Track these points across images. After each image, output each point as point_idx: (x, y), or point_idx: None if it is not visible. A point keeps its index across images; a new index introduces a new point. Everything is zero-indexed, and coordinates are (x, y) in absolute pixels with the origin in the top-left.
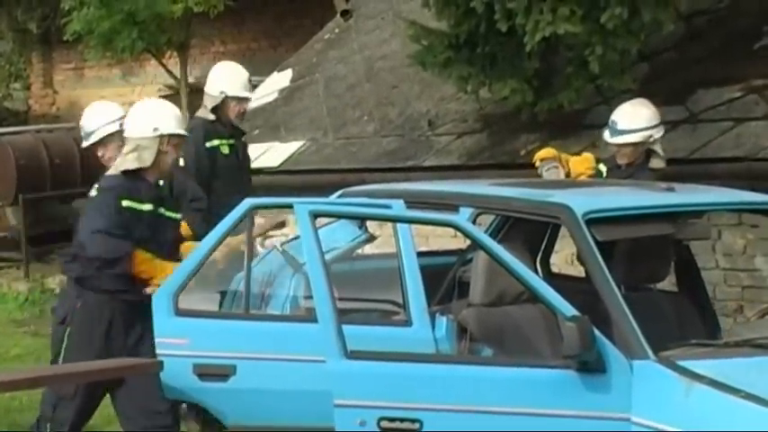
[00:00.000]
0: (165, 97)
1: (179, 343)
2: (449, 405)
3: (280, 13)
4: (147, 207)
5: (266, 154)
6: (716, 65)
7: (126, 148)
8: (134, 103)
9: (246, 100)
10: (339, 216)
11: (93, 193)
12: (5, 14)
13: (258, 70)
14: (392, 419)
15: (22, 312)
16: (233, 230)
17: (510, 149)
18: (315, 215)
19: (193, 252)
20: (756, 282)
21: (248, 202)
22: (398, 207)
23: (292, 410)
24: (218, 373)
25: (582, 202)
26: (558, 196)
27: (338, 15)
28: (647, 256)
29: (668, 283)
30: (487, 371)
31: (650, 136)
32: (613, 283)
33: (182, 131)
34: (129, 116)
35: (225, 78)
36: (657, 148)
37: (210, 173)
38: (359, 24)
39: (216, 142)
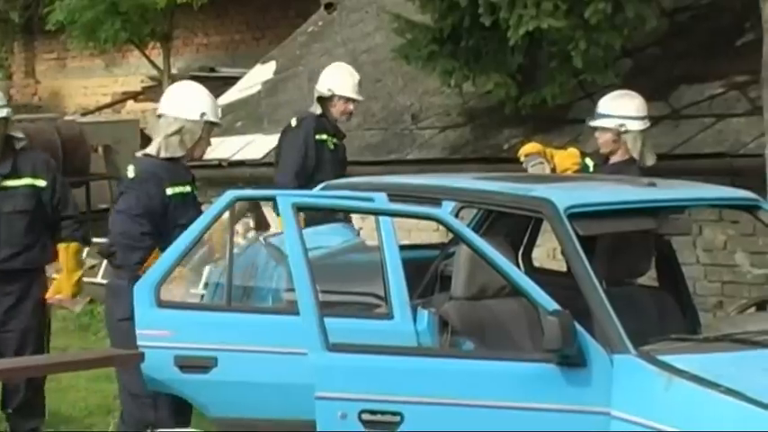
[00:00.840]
0: (147, 88)
1: (160, 334)
2: (430, 398)
3: (263, 5)
4: (189, 189)
5: (249, 146)
6: (698, 61)
7: (168, 129)
8: (116, 93)
9: (353, 101)
10: (322, 209)
11: (132, 174)
12: None
13: (241, 62)
14: (373, 412)
15: None
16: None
17: (493, 143)
18: (298, 208)
19: (176, 243)
20: (736, 277)
21: (231, 193)
22: (381, 200)
23: (273, 403)
24: (200, 365)
25: (564, 196)
26: (540, 190)
27: (322, 8)
28: (628, 250)
29: (649, 278)
30: (469, 364)
31: (622, 125)
32: (595, 278)
33: (219, 122)
34: (172, 96)
35: (335, 77)
36: (648, 146)
37: (315, 165)
38: (342, 17)
39: (324, 136)
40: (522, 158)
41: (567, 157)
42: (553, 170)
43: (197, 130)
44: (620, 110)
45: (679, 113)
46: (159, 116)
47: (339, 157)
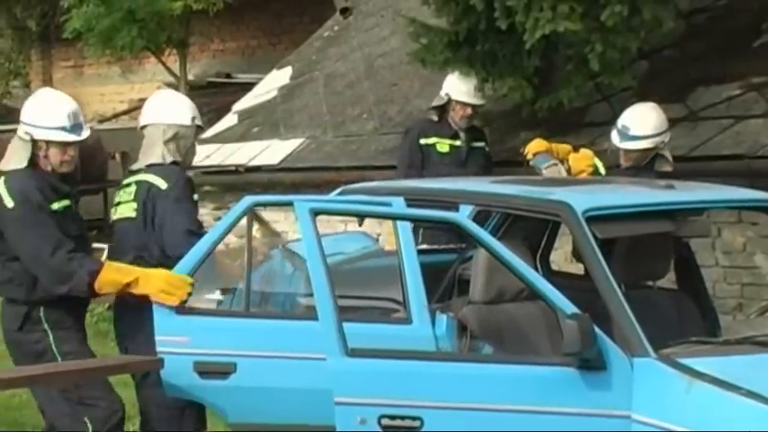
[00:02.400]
0: None
1: (179, 341)
2: (449, 403)
3: (279, 11)
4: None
5: (266, 151)
6: (716, 62)
7: (162, 137)
8: (133, 100)
9: (470, 106)
10: (339, 214)
11: (165, 185)
12: (5, 12)
13: (257, 68)
14: (393, 417)
15: None
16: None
17: (509, 147)
18: (315, 213)
19: (193, 249)
20: (756, 279)
21: (249, 199)
22: (399, 205)
23: (293, 408)
24: (219, 371)
25: (582, 199)
26: (558, 194)
27: (338, 13)
28: (646, 253)
29: (668, 281)
30: (488, 368)
31: (662, 141)
32: (614, 281)
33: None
34: (159, 105)
35: (453, 82)
36: (666, 152)
37: (424, 167)
38: (358, 22)
39: (432, 140)
40: (529, 156)
41: (581, 159)
42: (568, 172)
43: (190, 135)
44: (656, 127)
45: (696, 115)
46: (143, 127)
47: (459, 158)
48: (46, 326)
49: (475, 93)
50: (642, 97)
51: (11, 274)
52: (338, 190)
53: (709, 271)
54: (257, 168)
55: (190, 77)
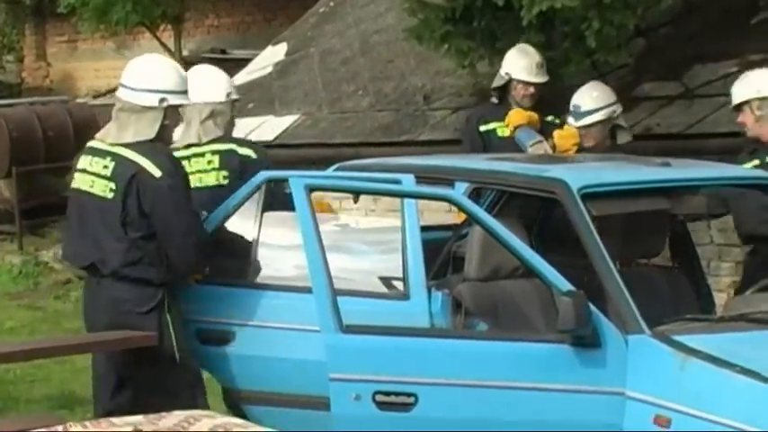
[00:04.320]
0: None
1: (183, 308)
2: (444, 379)
3: None
4: None
5: (261, 128)
6: (712, 40)
7: (198, 117)
8: None
9: (532, 84)
10: (336, 190)
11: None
12: None
13: (252, 44)
14: (387, 393)
15: (15, 285)
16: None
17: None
18: (310, 189)
19: (208, 223)
20: None
21: (263, 174)
22: (407, 182)
23: (290, 378)
24: (219, 339)
25: (577, 176)
26: (553, 171)
27: None
28: (642, 230)
29: (662, 259)
30: (483, 345)
31: (614, 111)
32: (609, 258)
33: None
34: (194, 81)
35: (512, 60)
36: (621, 122)
37: (488, 152)
38: None
39: (492, 125)
40: (510, 129)
41: (567, 138)
42: (553, 149)
43: (227, 111)
44: (605, 99)
45: (693, 93)
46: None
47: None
48: (168, 314)
49: (536, 70)
50: (638, 75)
51: (141, 253)
52: (334, 167)
53: (704, 249)
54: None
55: (184, 53)
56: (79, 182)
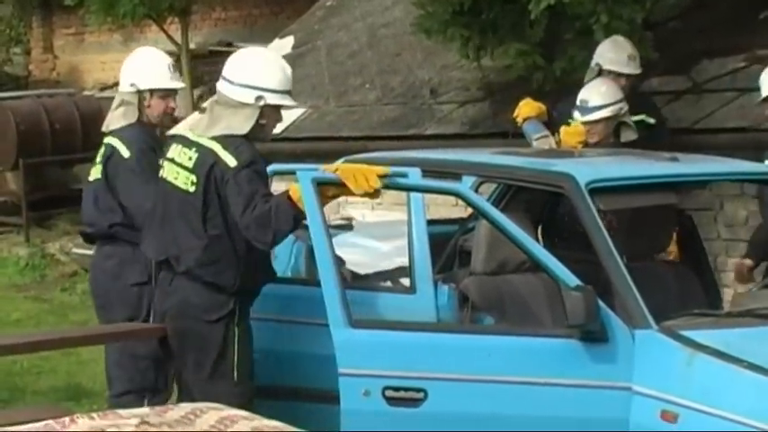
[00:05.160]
0: None
1: None
2: (453, 374)
3: None
4: None
5: None
6: (720, 35)
7: (240, 104)
8: None
9: (623, 76)
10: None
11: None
12: None
13: (259, 37)
14: (397, 389)
15: (22, 277)
16: None
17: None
18: (318, 183)
19: None
20: None
21: (270, 168)
22: (414, 175)
23: (298, 372)
24: None
25: (585, 171)
26: (561, 165)
27: None
28: (649, 225)
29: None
30: (492, 340)
31: (620, 109)
32: (616, 253)
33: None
34: (240, 66)
35: (603, 51)
36: (627, 119)
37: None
38: None
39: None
40: (520, 121)
41: (573, 135)
42: (558, 144)
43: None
44: (613, 96)
45: (701, 87)
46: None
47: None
48: (235, 321)
49: (627, 61)
50: (646, 69)
51: (219, 253)
52: (341, 160)
53: (711, 244)
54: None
55: (191, 46)
56: (167, 172)
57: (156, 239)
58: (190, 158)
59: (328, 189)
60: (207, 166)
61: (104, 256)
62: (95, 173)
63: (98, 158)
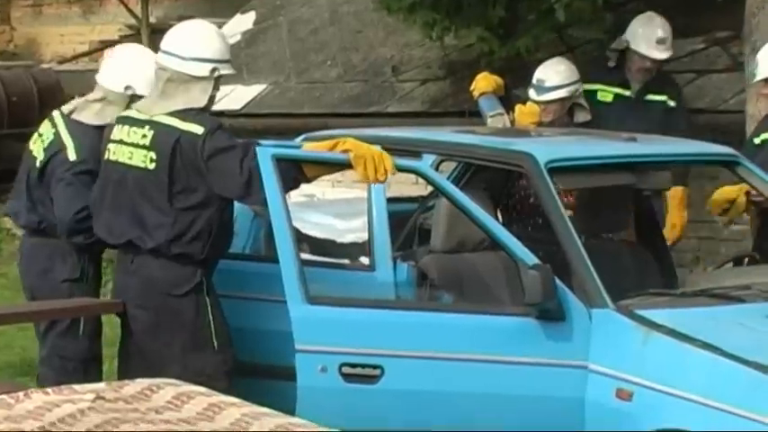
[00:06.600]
0: (125, 38)
1: None
2: (410, 351)
3: None
4: None
5: (228, 96)
6: (680, 16)
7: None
8: (93, 42)
9: (649, 59)
10: (301, 160)
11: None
12: None
13: (220, 12)
14: (353, 365)
15: None
16: None
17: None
18: (277, 159)
19: None
20: (714, 233)
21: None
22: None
23: (256, 348)
24: None
25: (544, 150)
26: (520, 144)
27: None
28: (607, 205)
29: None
30: (449, 318)
31: (576, 90)
32: (574, 232)
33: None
34: (189, 40)
35: (635, 28)
36: (581, 101)
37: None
38: None
39: (596, 87)
40: (476, 94)
41: (527, 115)
42: (512, 123)
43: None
44: (569, 77)
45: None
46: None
47: (623, 112)
48: (207, 297)
49: (657, 45)
50: (606, 50)
51: (188, 225)
52: (301, 137)
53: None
54: (220, 114)
55: (152, 20)
56: (116, 153)
57: (110, 222)
58: (144, 136)
59: (311, 169)
60: (170, 143)
61: (34, 246)
62: (38, 154)
63: (45, 143)
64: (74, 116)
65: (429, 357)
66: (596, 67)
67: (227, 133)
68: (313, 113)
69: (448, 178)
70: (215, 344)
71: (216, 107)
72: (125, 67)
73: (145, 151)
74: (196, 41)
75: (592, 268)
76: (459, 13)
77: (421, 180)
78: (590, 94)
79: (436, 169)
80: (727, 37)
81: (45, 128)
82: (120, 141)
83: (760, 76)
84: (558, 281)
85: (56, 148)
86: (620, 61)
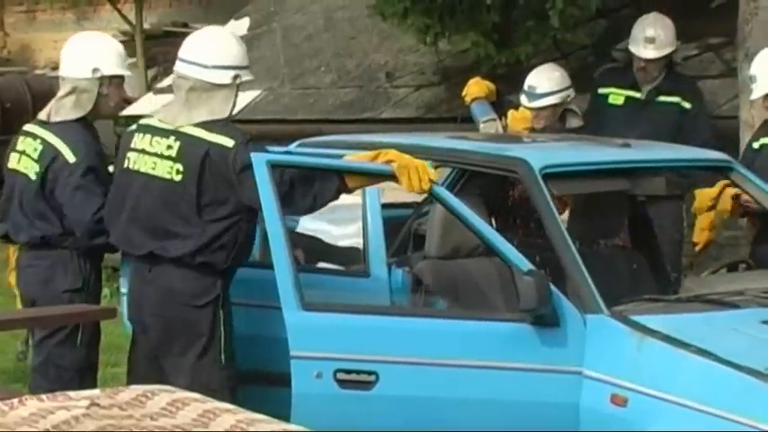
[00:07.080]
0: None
1: None
2: (405, 357)
3: None
4: None
5: None
6: (673, 22)
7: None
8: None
9: (644, 60)
10: (295, 166)
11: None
12: None
13: (214, 18)
14: (348, 371)
15: None
16: None
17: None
18: (272, 165)
19: None
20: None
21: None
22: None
23: (251, 355)
24: None
25: (539, 156)
26: (515, 150)
27: None
28: (602, 211)
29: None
30: (444, 324)
31: (568, 96)
32: (568, 238)
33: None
34: (210, 47)
35: (636, 28)
36: (573, 107)
37: (597, 120)
38: None
39: (608, 90)
40: (468, 100)
41: (519, 121)
42: (504, 129)
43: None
44: (561, 83)
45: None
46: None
47: (633, 114)
48: (221, 304)
49: (645, 44)
50: (600, 56)
51: (212, 239)
52: (296, 143)
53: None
54: None
55: (146, 26)
56: (137, 163)
57: (129, 232)
58: (169, 147)
59: (352, 179)
60: (199, 155)
61: (33, 257)
62: (28, 169)
63: (34, 155)
64: (53, 119)
65: (424, 363)
66: (615, 70)
67: (258, 145)
68: (307, 119)
69: (442, 184)
70: (222, 358)
71: None
72: (87, 52)
73: (171, 162)
74: (217, 49)
75: (586, 274)
76: (452, 18)
77: None
78: (603, 97)
79: None
80: (721, 43)
81: (25, 144)
82: (143, 151)
83: (759, 93)
84: (552, 286)
85: (50, 156)
86: (628, 64)
